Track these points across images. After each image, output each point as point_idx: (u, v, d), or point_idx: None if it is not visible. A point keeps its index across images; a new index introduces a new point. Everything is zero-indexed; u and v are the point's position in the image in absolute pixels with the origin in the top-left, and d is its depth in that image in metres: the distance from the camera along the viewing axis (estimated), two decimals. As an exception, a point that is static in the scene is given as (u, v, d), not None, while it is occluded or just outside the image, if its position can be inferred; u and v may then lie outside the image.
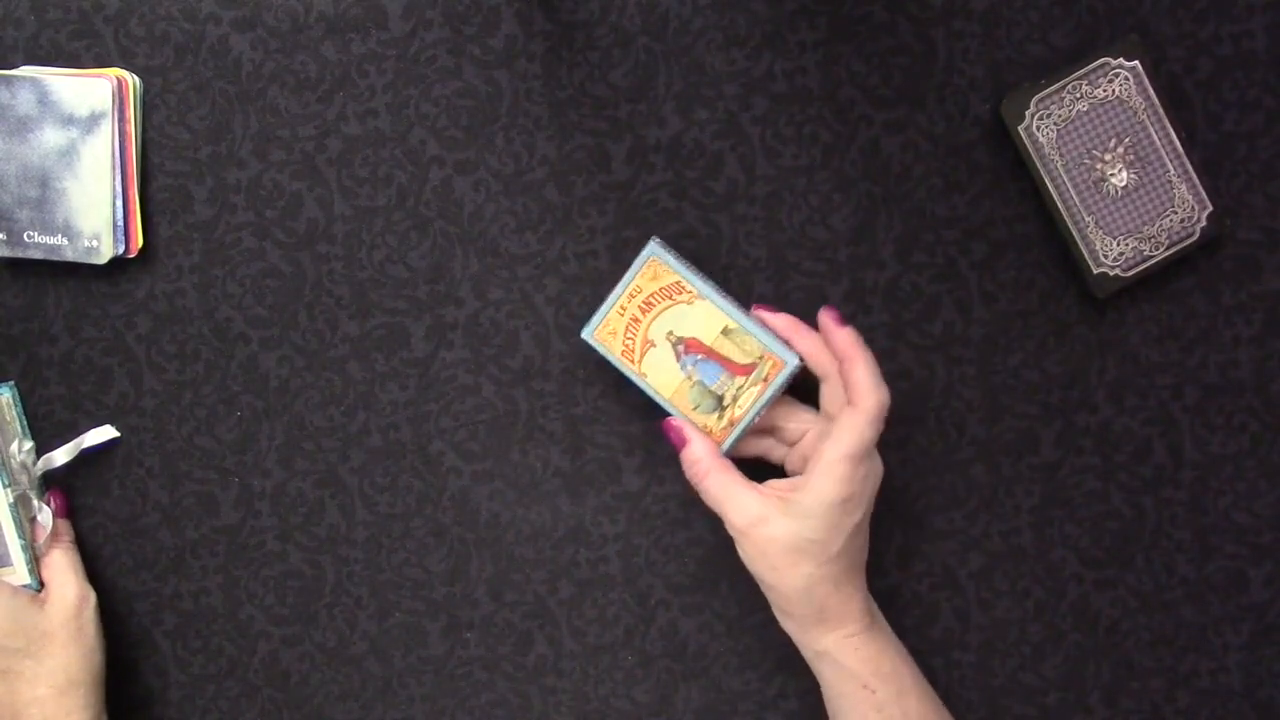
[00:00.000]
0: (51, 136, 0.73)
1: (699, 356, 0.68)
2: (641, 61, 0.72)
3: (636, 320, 0.69)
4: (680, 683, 0.75)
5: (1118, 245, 0.70)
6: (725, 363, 0.68)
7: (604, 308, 0.69)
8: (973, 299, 0.73)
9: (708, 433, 0.69)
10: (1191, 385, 0.73)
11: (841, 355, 0.65)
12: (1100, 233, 0.70)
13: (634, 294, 0.69)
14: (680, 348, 0.68)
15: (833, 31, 0.72)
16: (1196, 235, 0.70)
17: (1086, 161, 0.70)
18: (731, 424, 0.69)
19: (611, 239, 0.73)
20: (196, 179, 0.74)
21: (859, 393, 0.64)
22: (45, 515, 0.73)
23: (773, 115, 0.72)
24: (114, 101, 0.72)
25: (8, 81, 0.72)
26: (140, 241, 0.73)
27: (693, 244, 0.73)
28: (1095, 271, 0.70)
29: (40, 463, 0.74)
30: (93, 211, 0.73)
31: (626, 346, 0.69)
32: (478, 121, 0.73)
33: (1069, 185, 0.70)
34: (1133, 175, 0.70)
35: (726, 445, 0.69)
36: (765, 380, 0.68)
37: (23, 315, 0.75)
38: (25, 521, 0.72)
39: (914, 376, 0.73)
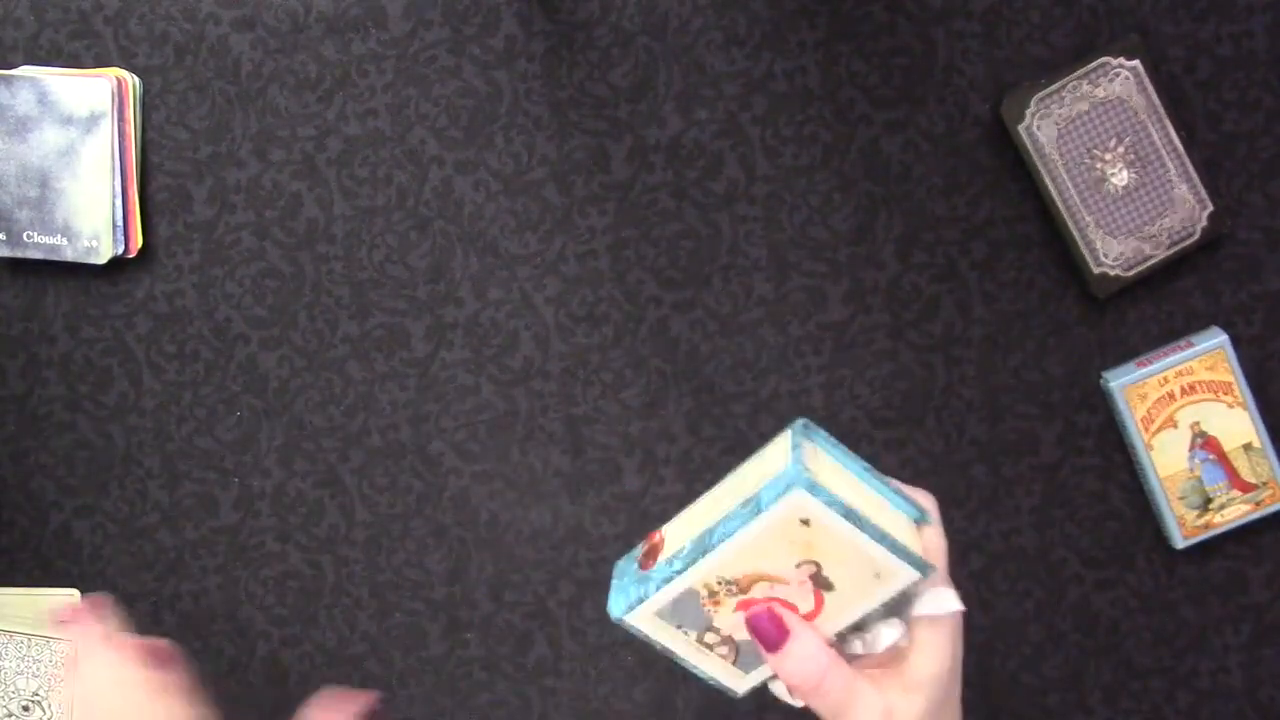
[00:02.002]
0: (51, 136, 0.73)
1: (1211, 456, 0.70)
2: (641, 61, 0.72)
3: (1172, 397, 0.70)
4: (680, 683, 0.75)
5: (1118, 245, 0.70)
6: (1231, 473, 0.70)
7: (1146, 371, 0.70)
8: (973, 299, 0.73)
9: (1181, 524, 0.71)
10: (1191, 385, 0.73)
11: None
12: (1100, 233, 0.70)
13: (1184, 373, 0.70)
14: (1199, 441, 0.70)
15: (833, 31, 0.72)
16: (1196, 235, 0.70)
17: (1086, 161, 0.70)
18: (1208, 527, 0.71)
19: (611, 239, 0.73)
20: (196, 179, 0.74)
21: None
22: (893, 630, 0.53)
23: (773, 115, 0.72)
24: (113, 101, 0.72)
25: (8, 81, 0.72)
26: (140, 241, 0.73)
27: (693, 244, 0.73)
28: (1095, 271, 0.70)
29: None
30: (92, 211, 0.73)
31: (1149, 415, 0.70)
32: (478, 121, 0.73)
33: (1069, 185, 0.70)
34: (1133, 175, 0.70)
35: (1188, 542, 0.71)
36: (1257, 505, 0.70)
37: (23, 315, 0.75)
38: None
39: (914, 376, 0.73)
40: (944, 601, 0.51)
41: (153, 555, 0.76)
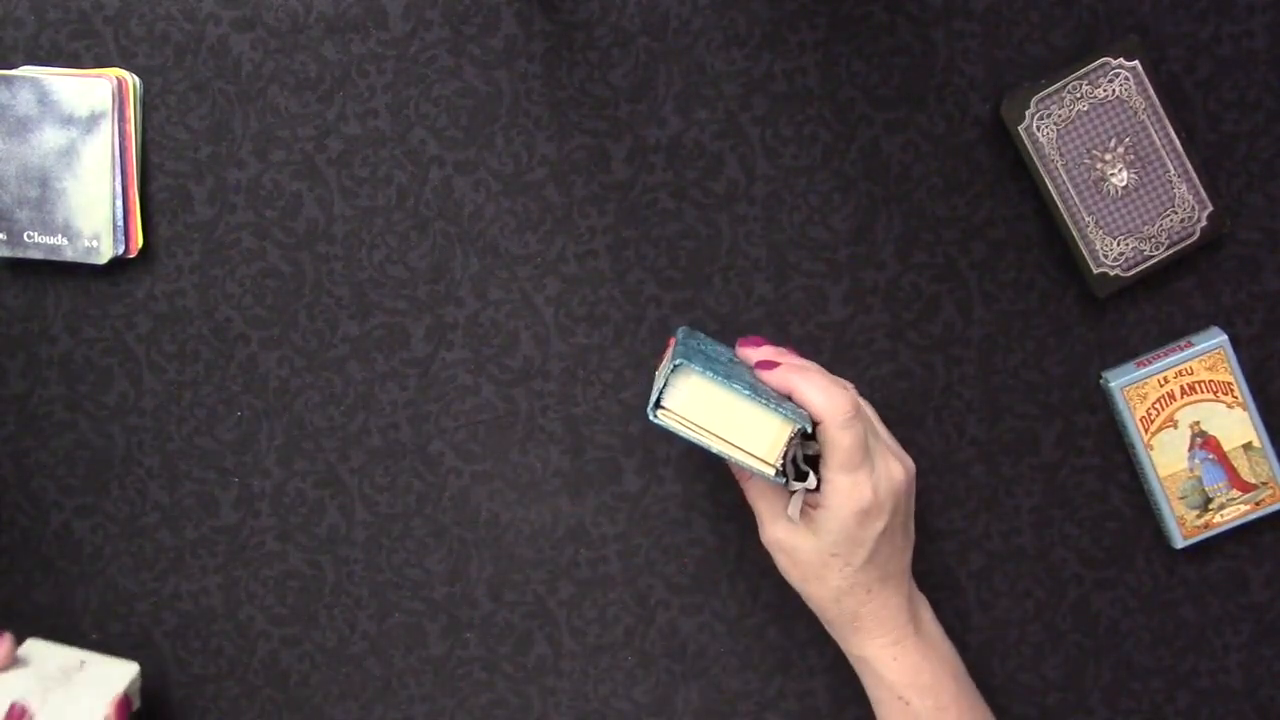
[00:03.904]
0: (51, 136, 0.73)
1: (1211, 456, 0.70)
2: (641, 61, 0.72)
3: (1172, 397, 0.70)
4: (680, 683, 0.75)
5: (1118, 245, 0.70)
6: (1231, 473, 0.70)
7: (1145, 371, 0.70)
8: (973, 299, 0.73)
9: (1181, 524, 0.71)
10: (1191, 385, 0.73)
11: (784, 391, 0.65)
12: (1100, 233, 0.70)
13: (1184, 373, 0.69)
14: (1199, 440, 0.70)
15: (833, 31, 0.72)
16: (1196, 235, 0.70)
17: (1086, 161, 0.70)
18: (1207, 527, 0.71)
19: (611, 239, 0.73)
20: (196, 179, 0.74)
21: (815, 410, 0.64)
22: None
23: (773, 115, 0.72)
24: (114, 101, 0.72)
25: (8, 81, 0.72)
26: (140, 241, 0.73)
27: (693, 244, 0.73)
28: (1095, 271, 0.70)
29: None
30: (93, 211, 0.73)
31: (1148, 415, 0.70)
32: (478, 121, 0.73)
33: (1069, 185, 0.70)
34: (1133, 175, 0.70)
35: (1188, 542, 0.71)
36: (1257, 505, 0.71)
37: (23, 315, 0.75)
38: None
39: (914, 376, 0.73)
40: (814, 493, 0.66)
41: (153, 555, 0.76)
